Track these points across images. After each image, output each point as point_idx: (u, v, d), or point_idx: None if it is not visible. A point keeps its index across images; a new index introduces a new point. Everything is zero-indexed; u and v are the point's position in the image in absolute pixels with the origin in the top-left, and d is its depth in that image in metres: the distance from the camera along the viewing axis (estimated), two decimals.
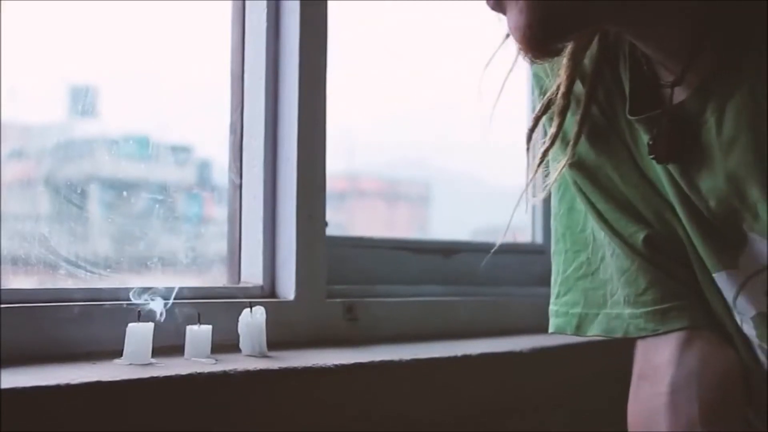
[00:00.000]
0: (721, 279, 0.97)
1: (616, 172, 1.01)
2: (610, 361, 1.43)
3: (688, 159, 0.92)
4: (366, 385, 1.21)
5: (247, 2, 1.42)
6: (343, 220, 1.90)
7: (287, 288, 1.37)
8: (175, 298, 1.19)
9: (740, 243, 0.93)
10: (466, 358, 1.33)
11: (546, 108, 0.99)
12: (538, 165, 0.99)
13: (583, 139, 1.01)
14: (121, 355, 1.11)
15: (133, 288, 1.17)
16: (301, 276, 1.37)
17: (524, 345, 1.42)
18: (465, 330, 1.56)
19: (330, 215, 1.43)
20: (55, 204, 1.30)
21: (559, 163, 1.00)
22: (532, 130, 1.01)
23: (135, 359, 1.10)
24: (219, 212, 1.47)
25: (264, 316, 1.22)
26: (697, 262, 0.99)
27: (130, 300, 1.16)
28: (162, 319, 1.16)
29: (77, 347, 1.14)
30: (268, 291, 1.38)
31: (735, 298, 0.97)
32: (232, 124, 1.42)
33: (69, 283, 1.26)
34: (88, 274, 1.28)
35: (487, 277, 1.73)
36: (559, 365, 1.47)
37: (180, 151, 1.47)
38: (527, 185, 1.01)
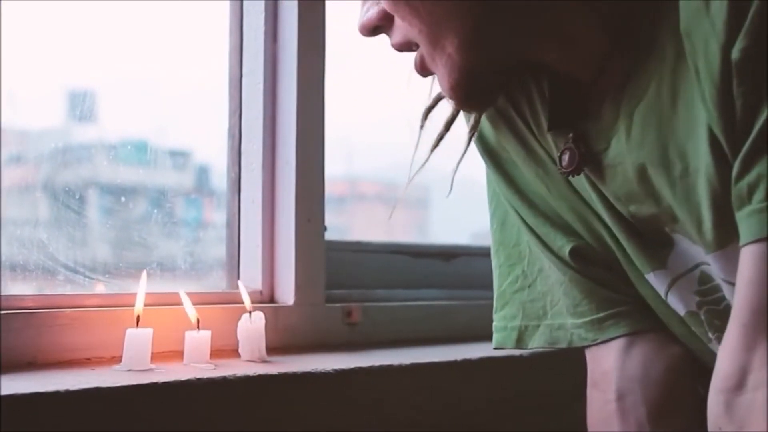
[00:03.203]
0: (651, 279, 0.98)
1: (544, 186, 1.02)
2: None
3: (603, 167, 0.93)
4: (365, 390, 1.21)
5: (244, 6, 1.42)
6: (343, 224, 1.90)
7: (286, 293, 1.37)
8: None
9: (667, 243, 0.95)
10: (466, 362, 1.33)
11: None
12: (432, 149, 1.03)
13: (511, 157, 1.04)
14: (120, 360, 1.11)
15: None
16: (300, 280, 1.37)
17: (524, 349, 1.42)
18: (465, 334, 1.56)
19: (329, 219, 1.43)
20: (54, 209, 1.29)
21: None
22: (429, 110, 1.03)
23: (134, 365, 1.10)
24: (218, 217, 1.47)
25: (263, 321, 1.22)
26: (629, 265, 1.00)
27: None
28: None
29: (76, 353, 1.14)
30: (267, 296, 1.38)
31: (665, 297, 0.98)
32: (230, 129, 1.42)
33: (67, 289, 1.26)
34: (87, 279, 1.28)
35: (487, 281, 1.72)
36: (559, 369, 1.46)
37: (178, 155, 1.47)
38: (423, 164, 1.05)
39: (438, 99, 1.02)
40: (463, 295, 1.66)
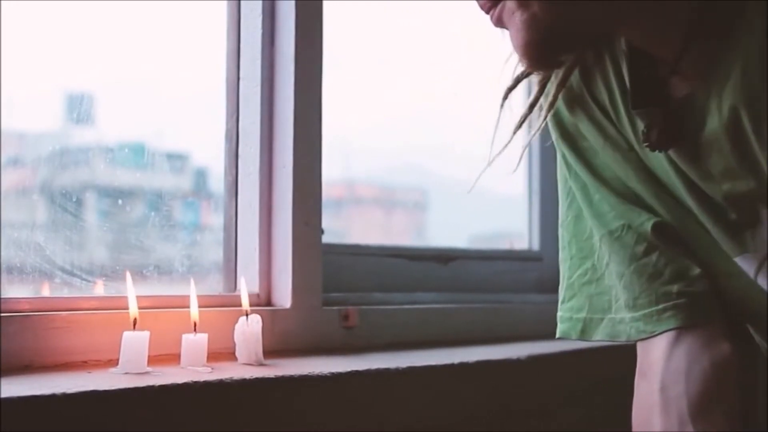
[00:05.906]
0: (740, 261, 1.00)
1: (623, 173, 1.03)
2: (606, 369, 1.43)
3: (696, 146, 0.94)
4: (362, 393, 1.21)
5: (242, 10, 1.42)
6: (340, 227, 1.90)
7: (283, 296, 1.37)
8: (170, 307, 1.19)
9: (753, 224, 0.96)
10: (463, 366, 1.33)
11: (529, 72, 1.02)
12: (515, 130, 1.04)
13: (591, 144, 1.05)
14: (117, 363, 1.11)
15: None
16: (297, 284, 1.37)
17: (521, 352, 1.42)
18: (462, 337, 1.56)
19: (326, 222, 1.43)
20: (51, 212, 1.29)
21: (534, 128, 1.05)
22: (510, 89, 1.04)
23: (131, 368, 1.10)
24: (215, 220, 1.47)
25: (260, 324, 1.22)
26: (714, 247, 1.01)
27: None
28: None
29: (73, 356, 1.13)
30: (264, 299, 1.38)
31: (755, 278, 0.99)
32: (227, 132, 1.42)
33: (64, 292, 1.26)
34: (84, 282, 1.28)
35: (484, 284, 1.73)
36: (556, 372, 1.47)
37: (176, 158, 1.47)
38: (505, 145, 1.05)
39: (519, 80, 1.03)
40: (461, 298, 1.66)
